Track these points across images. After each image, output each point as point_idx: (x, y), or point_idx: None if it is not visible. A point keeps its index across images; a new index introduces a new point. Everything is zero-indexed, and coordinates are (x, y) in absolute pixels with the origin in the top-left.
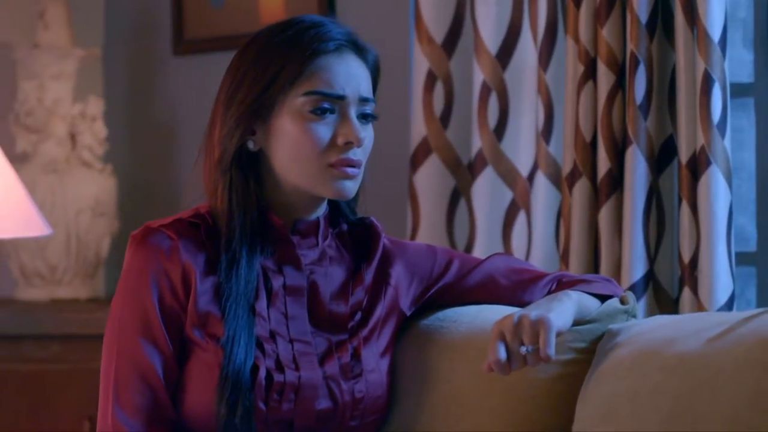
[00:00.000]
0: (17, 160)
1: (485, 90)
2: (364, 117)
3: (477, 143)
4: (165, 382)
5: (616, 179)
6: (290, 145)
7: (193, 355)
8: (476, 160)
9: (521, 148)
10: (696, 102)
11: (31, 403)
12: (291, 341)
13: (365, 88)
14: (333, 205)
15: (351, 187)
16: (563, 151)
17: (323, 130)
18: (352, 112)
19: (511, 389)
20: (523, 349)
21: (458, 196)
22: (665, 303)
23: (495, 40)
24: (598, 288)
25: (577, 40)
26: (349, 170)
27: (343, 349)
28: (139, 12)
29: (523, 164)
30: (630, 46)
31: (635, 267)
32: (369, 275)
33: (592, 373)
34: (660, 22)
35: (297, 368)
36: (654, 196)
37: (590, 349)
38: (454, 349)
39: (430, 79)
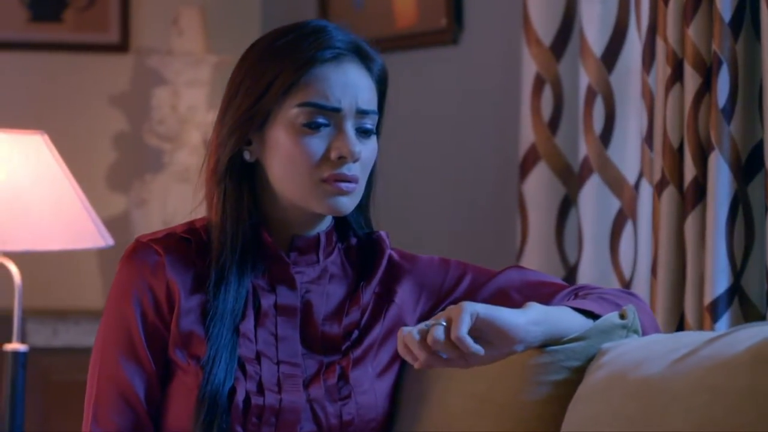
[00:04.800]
0: (150, 169)
1: (591, 94)
2: (364, 131)
3: (583, 150)
4: (146, 402)
5: (702, 187)
6: (283, 157)
7: (175, 376)
8: (582, 168)
9: (628, 154)
10: None
11: None
12: (278, 363)
13: (365, 99)
14: (341, 218)
15: (346, 203)
16: (654, 158)
17: (316, 143)
18: (348, 126)
19: (502, 412)
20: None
21: (569, 205)
22: (753, 318)
23: (600, 41)
24: (588, 304)
25: (665, 40)
26: (343, 186)
27: (330, 371)
28: (288, 16)
29: (630, 171)
30: (713, 46)
31: (718, 280)
32: (367, 294)
33: (575, 396)
34: (748, 21)
35: (280, 391)
36: (740, 205)
37: (584, 368)
38: (452, 369)
39: (539, 83)
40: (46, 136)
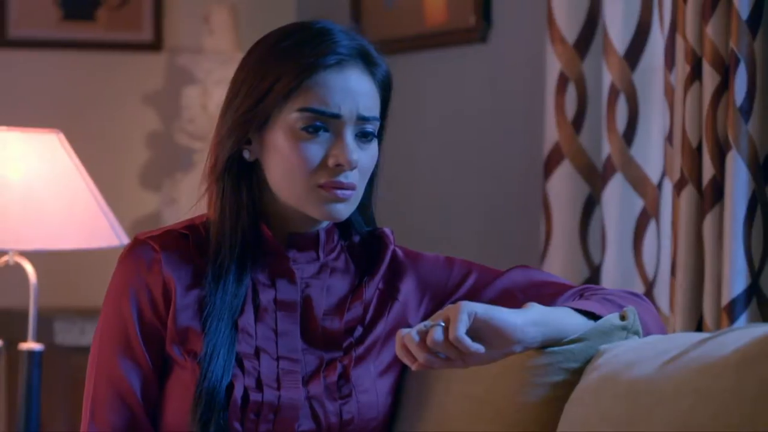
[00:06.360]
0: (180, 168)
1: (613, 92)
2: (364, 135)
3: (606, 148)
4: (143, 400)
5: (720, 187)
6: (281, 161)
7: (173, 372)
8: (606, 167)
9: (651, 153)
10: None
11: None
12: (277, 359)
13: (366, 105)
14: None
15: (342, 210)
16: (673, 157)
17: (315, 149)
18: (348, 132)
19: (500, 413)
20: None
21: (593, 204)
22: None
23: (623, 39)
24: (590, 305)
25: (684, 38)
26: (339, 193)
27: (331, 368)
28: (321, 15)
29: (653, 170)
30: (731, 44)
31: (735, 281)
32: (370, 290)
33: (570, 397)
34: (766, 19)
35: (278, 387)
36: (758, 205)
37: (583, 369)
38: (451, 369)
39: (563, 82)
40: (61, 135)
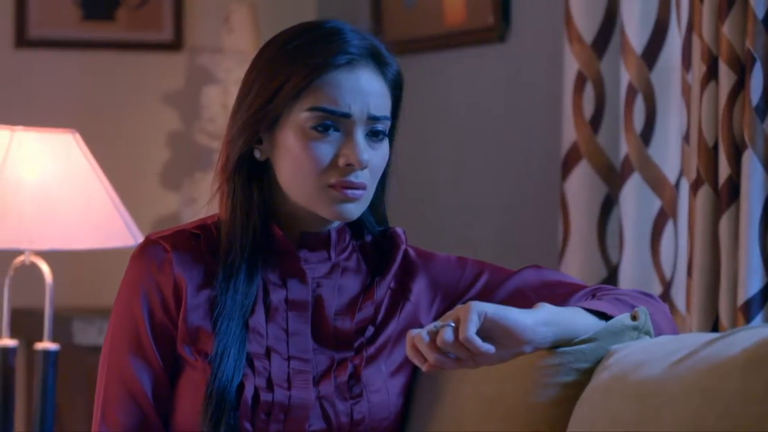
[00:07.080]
0: (200, 168)
1: (631, 91)
2: (375, 134)
3: (624, 148)
4: (154, 400)
5: (736, 186)
6: (291, 160)
7: (184, 372)
8: (623, 166)
9: (669, 152)
10: None
11: None
12: (288, 358)
13: (377, 105)
14: None
15: (352, 210)
16: (689, 157)
17: (325, 148)
18: (358, 132)
19: (511, 413)
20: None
21: (611, 204)
22: None
23: (641, 38)
24: (601, 305)
25: (701, 37)
26: (349, 192)
27: (342, 368)
28: (341, 16)
29: (670, 170)
30: (747, 44)
31: (751, 280)
32: (381, 289)
33: (580, 398)
34: None
35: (289, 387)
36: None
37: (593, 369)
38: (462, 369)
39: (580, 81)
40: (77, 135)
